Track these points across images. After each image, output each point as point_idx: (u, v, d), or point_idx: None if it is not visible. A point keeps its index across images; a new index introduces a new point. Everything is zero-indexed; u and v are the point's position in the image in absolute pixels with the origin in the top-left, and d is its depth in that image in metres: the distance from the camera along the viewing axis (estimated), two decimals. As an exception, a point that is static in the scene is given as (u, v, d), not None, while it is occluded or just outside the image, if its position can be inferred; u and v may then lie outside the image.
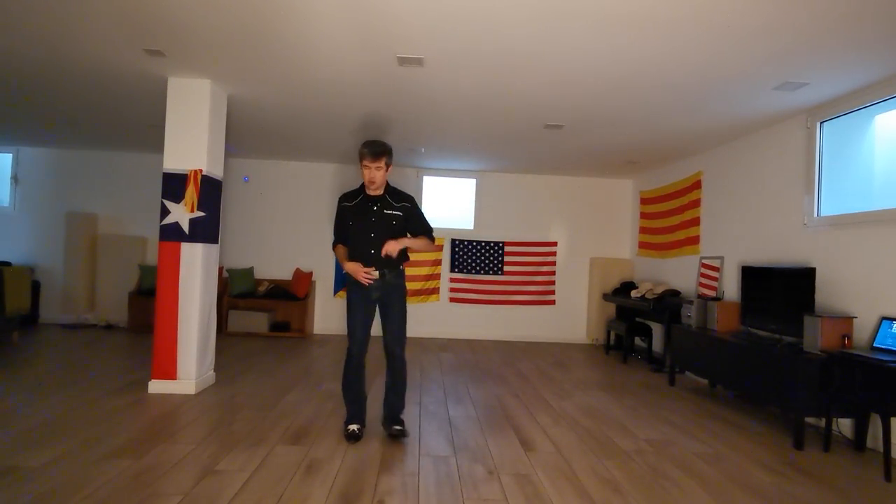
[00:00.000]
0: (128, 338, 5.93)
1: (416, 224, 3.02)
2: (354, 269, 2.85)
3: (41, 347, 5.22)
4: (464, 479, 2.52)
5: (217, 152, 4.05)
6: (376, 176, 2.87)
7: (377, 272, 2.87)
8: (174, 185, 3.81)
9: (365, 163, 2.85)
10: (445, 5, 2.61)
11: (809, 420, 3.61)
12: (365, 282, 2.85)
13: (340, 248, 3.00)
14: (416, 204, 3.05)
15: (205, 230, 3.86)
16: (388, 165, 2.91)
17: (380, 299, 2.95)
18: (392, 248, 2.82)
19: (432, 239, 3.04)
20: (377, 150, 2.85)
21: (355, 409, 3.02)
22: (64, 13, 2.84)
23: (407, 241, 2.91)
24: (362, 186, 2.97)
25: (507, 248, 6.99)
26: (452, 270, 6.98)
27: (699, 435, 3.33)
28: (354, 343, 2.96)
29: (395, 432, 3.00)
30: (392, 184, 3.07)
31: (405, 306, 3.01)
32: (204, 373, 3.94)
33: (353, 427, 2.97)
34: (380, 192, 2.94)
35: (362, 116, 4.69)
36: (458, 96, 3.98)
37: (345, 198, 3.01)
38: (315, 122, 4.94)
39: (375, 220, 2.90)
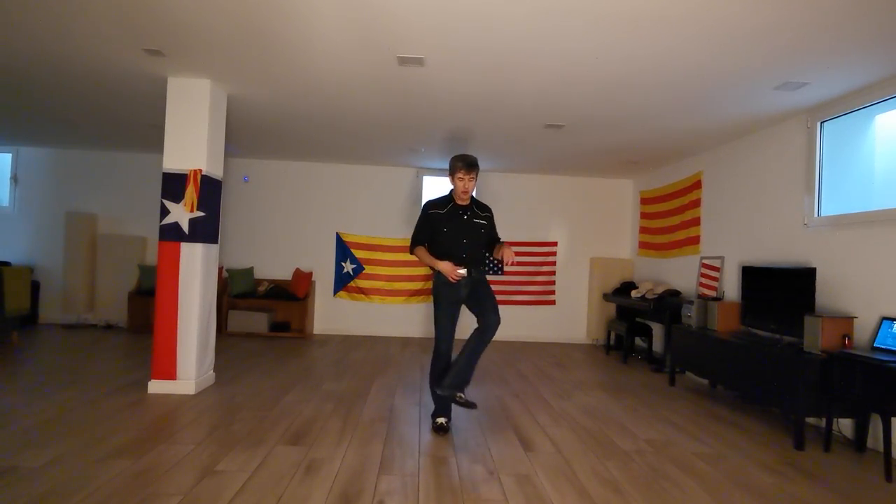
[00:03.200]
0: (127, 338, 5.92)
1: (494, 231, 3.44)
2: (448, 268, 3.12)
3: (41, 347, 5.22)
4: (464, 479, 2.52)
5: (217, 152, 4.04)
6: (469, 186, 3.17)
7: (465, 271, 3.17)
8: (174, 185, 3.81)
9: (459, 175, 3.15)
10: (445, 5, 2.61)
11: (810, 420, 3.61)
12: (454, 280, 3.13)
13: (421, 248, 3.26)
14: (493, 214, 3.42)
15: (204, 230, 3.86)
16: (476, 177, 3.21)
17: (468, 293, 3.23)
18: (509, 255, 3.14)
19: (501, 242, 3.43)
20: (470, 161, 3.16)
21: (443, 404, 3.25)
22: (63, 13, 2.84)
23: (510, 251, 3.21)
24: (450, 196, 3.27)
25: (507, 248, 6.99)
26: (452, 270, 6.98)
27: (699, 435, 3.33)
28: (443, 341, 3.20)
29: (460, 400, 3.15)
30: (475, 196, 3.37)
31: (491, 290, 3.30)
32: (204, 373, 3.94)
33: (441, 420, 3.23)
34: (467, 202, 3.26)
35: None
36: (458, 96, 3.98)
37: (433, 206, 3.27)
38: (315, 122, 4.94)
39: (467, 228, 3.22)
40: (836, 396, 3.07)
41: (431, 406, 3.73)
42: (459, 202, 3.23)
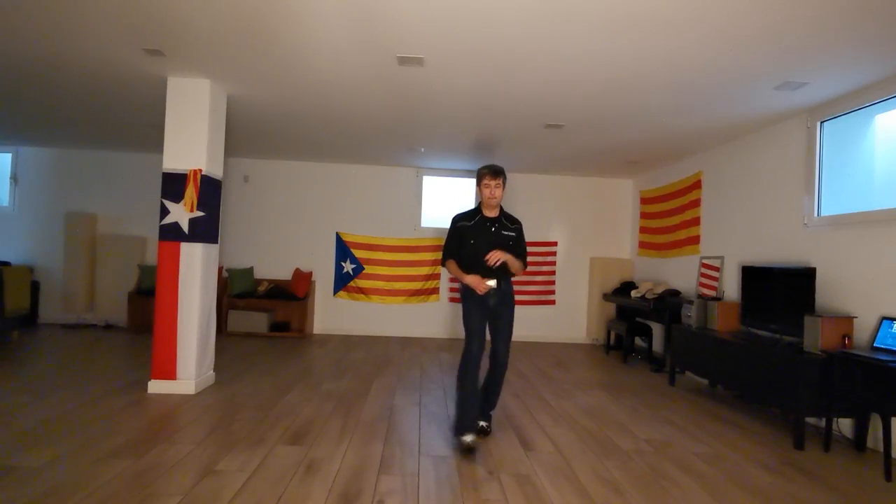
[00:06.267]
0: (127, 338, 5.92)
1: (520, 247, 3.31)
2: (476, 281, 3.10)
3: (41, 347, 5.22)
4: (464, 479, 2.52)
5: (217, 152, 4.04)
6: (496, 193, 3.12)
7: (493, 282, 3.14)
8: (174, 185, 3.81)
9: (486, 181, 3.11)
10: (445, 5, 2.61)
11: (810, 420, 3.61)
12: (482, 292, 3.10)
13: (452, 262, 3.24)
14: (523, 228, 3.32)
15: (204, 230, 3.86)
16: (504, 184, 3.16)
17: (495, 306, 3.18)
18: (500, 255, 3.06)
19: (525, 264, 3.28)
20: (497, 169, 3.13)
21: (468, 418, 2.96)
22: (63, 13, 2.84)
23: (510, 256, 3.13)
24: (478, 208, 3.25)
25: (507, 248, 6.99)
26: (452, 270, 6.98)
27: (699, 435, 3.33)
28: (475, 339, 3.11)
29: (479, 427, 3.12)
30: (504, 208, 3.33)
31: (513, 315, 3.27)
32: (204, 373, 3.94)
33: (468, 438, 2.89)
34: (496, 213, 3.22)
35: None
36: (458, 96, 3.98)
37: (462, 218, 3.26)
38: (315, 122, 4.94)
39: (494, 240, 3.16)
40: (836, 396, 3.07)
41: (431, 406, 3.74)
42: (487, 213, 3.20)
